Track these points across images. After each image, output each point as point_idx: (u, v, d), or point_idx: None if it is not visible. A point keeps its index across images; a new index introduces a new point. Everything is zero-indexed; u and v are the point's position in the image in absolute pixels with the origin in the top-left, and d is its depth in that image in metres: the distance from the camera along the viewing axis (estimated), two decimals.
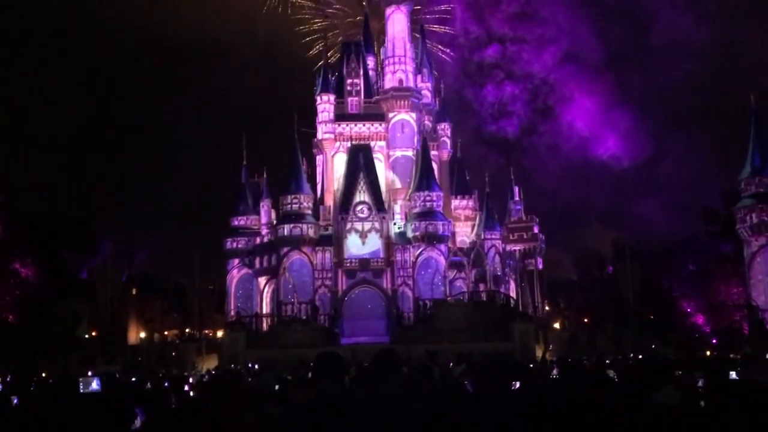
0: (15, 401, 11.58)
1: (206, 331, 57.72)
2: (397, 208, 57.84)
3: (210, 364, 40.73)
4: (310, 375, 6.11)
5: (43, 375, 25.77)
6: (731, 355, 27.11)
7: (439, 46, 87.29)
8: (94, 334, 48.91)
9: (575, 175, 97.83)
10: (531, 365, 19.57)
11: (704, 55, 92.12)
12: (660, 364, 7.73)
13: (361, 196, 54.85)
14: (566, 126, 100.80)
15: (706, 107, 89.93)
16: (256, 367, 29.78)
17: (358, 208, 54.75)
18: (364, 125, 61.16)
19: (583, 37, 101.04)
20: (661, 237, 70.06)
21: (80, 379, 11.58)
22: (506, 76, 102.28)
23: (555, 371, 15.12)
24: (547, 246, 63.64)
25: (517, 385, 6.40)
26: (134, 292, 56.90)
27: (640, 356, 26.77)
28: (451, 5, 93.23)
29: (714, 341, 43.18)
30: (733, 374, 10.00)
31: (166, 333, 59.84)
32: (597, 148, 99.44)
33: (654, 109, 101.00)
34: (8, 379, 21.06)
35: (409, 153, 60.41)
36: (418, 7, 66.61)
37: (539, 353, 42.81)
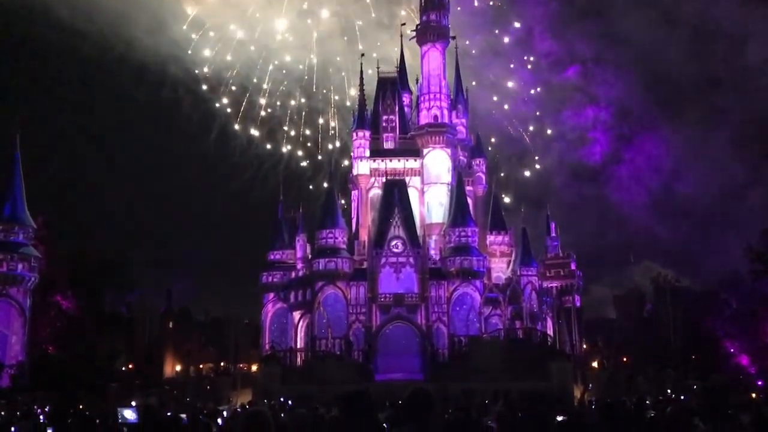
0: None
1: (241, 365, 57.85)
2: (431, 243, 57.72)
3: (244, 398, 40.69)
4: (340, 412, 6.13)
5: (81, 407, 26.03)
6: None
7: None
8: (131, 366, 49.42)
9: (658, 208, 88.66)
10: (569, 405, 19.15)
11: None
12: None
13: (396, 231, 54.90)
14: (651, 154, 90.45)
15: None
16: (290, 402, 29.68)
17: (393, 243, 54.76)
18: (399, 161, 61.59)
19: (670, 58, 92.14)
20: (710, 275, 67.58)
21: (118, 410, 11.76)
22: (588, 100, 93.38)
23: (595, 412, 14.75)
24: (594, 284, 62.47)
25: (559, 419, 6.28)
26: (171, 325, 57.49)
27: (682, 397, 25.99)
28: (530, 24, 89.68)
29: (759, 383, 41.71)
30: None
31: (201, 366, 60.12)
32: (683, 178, 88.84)
33: (747, 135, 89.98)
34: (47, 409, 21.38)
35: (444, 188, 60.49)
36: (453, 37, 66.02)
37: (578, 393, 41.88)
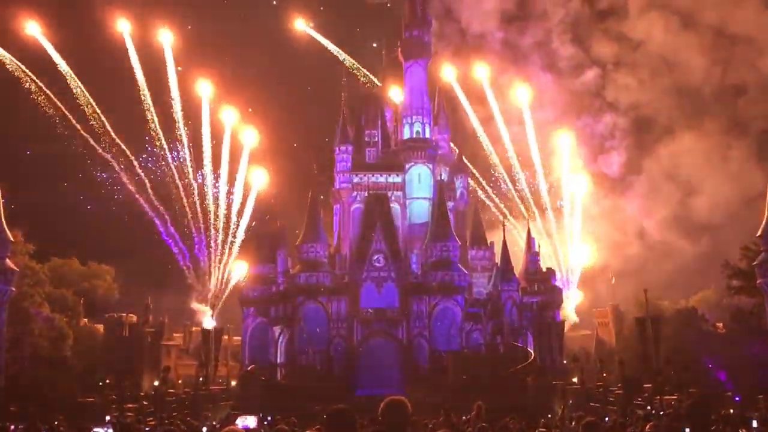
0: None
1: (221, 380, 57.24)
2: (413, 258, 57.75)
3: (223, 413, 40.21)
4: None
5: (56, 423, 25.54)
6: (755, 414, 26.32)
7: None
8: (108, 381, 48.60)
9: (674, 222, 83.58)
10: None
11: None
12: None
13: (378, 245, 54.88)
14: (670, 165, 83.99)
15: None
16: (269, 418, 29.38)
17: (375, 257, 54.71)
18: (381, 175, 61.68)
19: (688, 63, 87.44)
20: (690, 292, 67.55)
21: (94, 429, 11.56)
22: (606, 106, 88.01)
23: (576, 428, 14.78)
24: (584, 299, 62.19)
25: None
26: (149, 339, 56.67)
27: (662, 413, 26.11)
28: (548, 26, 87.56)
29: (737, 399, 41.99)
30: None
31: (180, 381, 59.33)
32: (700, 191, 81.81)
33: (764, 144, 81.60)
34: (21, 427, 20.97)
35: (426, 203, 60.64)
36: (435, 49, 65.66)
37: (558, 409, 41.91)
